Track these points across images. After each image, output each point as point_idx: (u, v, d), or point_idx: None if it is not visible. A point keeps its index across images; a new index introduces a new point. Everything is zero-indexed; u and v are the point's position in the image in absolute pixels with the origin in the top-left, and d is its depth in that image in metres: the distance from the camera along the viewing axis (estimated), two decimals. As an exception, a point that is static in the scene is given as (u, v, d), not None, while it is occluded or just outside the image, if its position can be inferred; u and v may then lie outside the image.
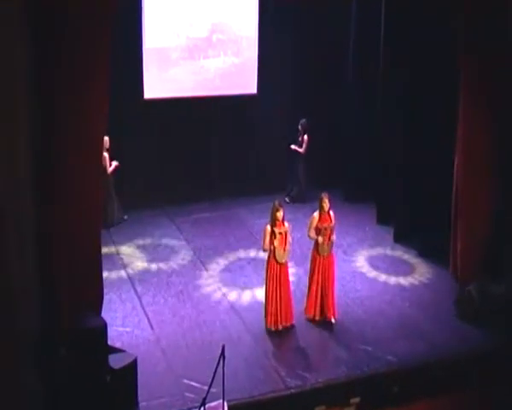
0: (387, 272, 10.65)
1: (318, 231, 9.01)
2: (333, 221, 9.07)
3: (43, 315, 7.06)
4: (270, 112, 12.83)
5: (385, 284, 10.31)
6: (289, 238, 8.89)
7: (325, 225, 9.01)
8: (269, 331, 8.96)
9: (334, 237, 9.11)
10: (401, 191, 11.40)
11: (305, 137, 12.83)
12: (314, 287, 9.12)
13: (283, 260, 8.83)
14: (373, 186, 12.29)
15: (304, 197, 12.84)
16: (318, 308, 9.16)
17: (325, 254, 9.07)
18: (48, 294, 7.10)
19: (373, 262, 10.95)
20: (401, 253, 11.21)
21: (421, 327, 9.22)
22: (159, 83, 12.40)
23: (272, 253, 8.76)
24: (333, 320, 9.17)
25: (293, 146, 12.90)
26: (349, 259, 10.99)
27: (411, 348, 8.74)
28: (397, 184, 11.45)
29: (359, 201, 12.68)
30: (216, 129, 12.83)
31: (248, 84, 12.92)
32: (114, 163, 11.61)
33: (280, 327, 8.94)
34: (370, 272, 10.65)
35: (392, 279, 10.44)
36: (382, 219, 12.05)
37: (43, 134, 6.86)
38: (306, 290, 9.30)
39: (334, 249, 9.40)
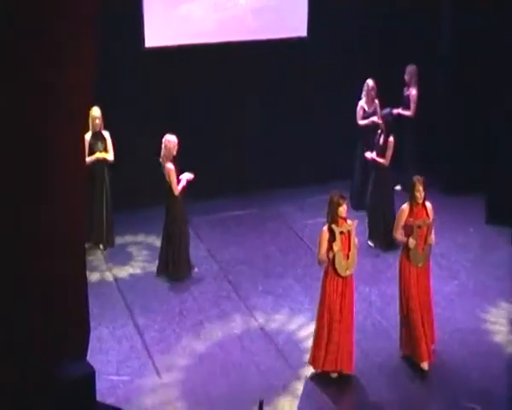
0: (502, 295, 10.62)
1: (409, 230, 9.01)
2: (430, 216, 9.13)
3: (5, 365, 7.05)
4: (326, 63, 12.88)
5: (498, 313, 10.26)
6: (355, 240, 8.91)
7: (419, 221, 9.05)
8: (327, 379, 8.96)
9: (432, 239, 9.17)
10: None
11: (413, 91, 12.56)
12: (410, 314, 9.06)
13: (347, 273, 8.80)
14: (481, 173, 12.35)
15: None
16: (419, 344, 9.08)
17: (420, 263, 9.07)
18: (9, 334, 7.10)
19: (479, 281, 10.92)
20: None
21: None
22: (166, 25, 12.41)
23: (331, 262, 8.74)
24: (426, 367, 9.13)
25: (396, 110, 12.09)
26: (446, 274, 11.02)
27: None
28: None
29: (461, 193, 12.80)
30: (248, 88, 12.81)
31: (295, 24, 12.97)
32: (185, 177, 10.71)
33: (333, 372, 8.95)
34: (475, 295, 10.64)
35: (510, 307, 10.41)
36: (494, 218, 12.15)
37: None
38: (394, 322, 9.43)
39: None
